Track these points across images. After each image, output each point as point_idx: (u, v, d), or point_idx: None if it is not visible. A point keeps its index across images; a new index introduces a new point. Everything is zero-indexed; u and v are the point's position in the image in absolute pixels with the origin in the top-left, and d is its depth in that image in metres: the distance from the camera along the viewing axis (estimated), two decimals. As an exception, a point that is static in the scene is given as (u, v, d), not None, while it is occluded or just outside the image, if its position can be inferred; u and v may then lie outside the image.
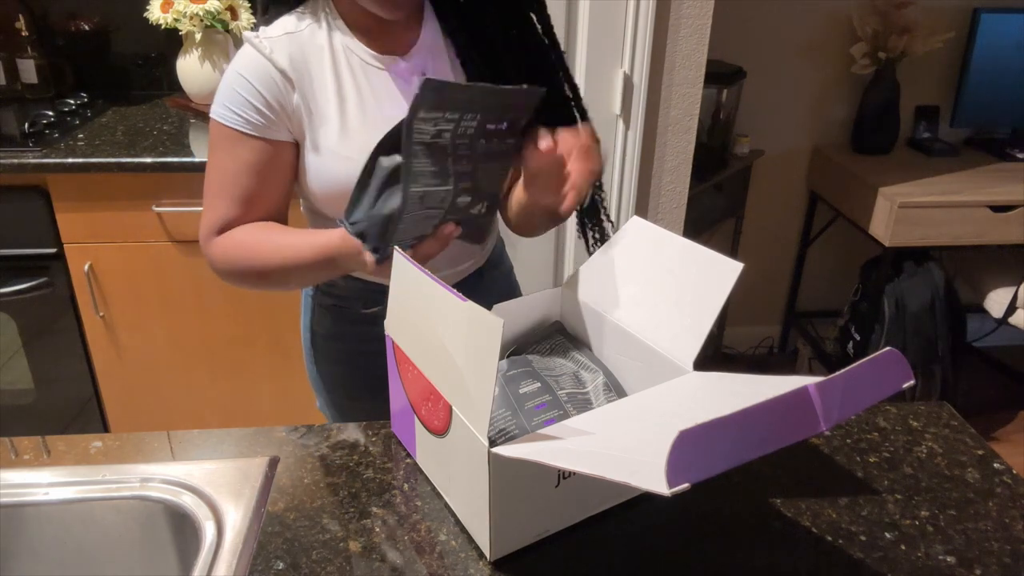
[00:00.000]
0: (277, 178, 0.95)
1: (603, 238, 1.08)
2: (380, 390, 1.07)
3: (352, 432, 0.91)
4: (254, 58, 0.91)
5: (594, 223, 1.08)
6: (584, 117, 0.99)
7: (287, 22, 0.94)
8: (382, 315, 0.83)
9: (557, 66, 0.99)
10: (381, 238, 0.82)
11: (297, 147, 0.95)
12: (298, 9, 0.95)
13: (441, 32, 0.99)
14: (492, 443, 0.66)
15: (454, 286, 1.07)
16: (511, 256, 1.25)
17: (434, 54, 0.98)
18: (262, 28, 0.94)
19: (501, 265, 1.19)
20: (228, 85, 0.92)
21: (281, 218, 0.98)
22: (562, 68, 1.00)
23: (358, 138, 0.93)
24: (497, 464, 0.66)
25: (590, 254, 1.03)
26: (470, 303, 0.66)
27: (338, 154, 0.93)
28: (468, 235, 0.92)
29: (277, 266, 0.93)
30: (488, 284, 1.14)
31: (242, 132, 0.92)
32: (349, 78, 0.94)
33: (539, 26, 0.98)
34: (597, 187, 1.06)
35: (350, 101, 0.93)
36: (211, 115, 0.94)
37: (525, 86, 0.80)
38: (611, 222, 1.10)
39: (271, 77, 0.90)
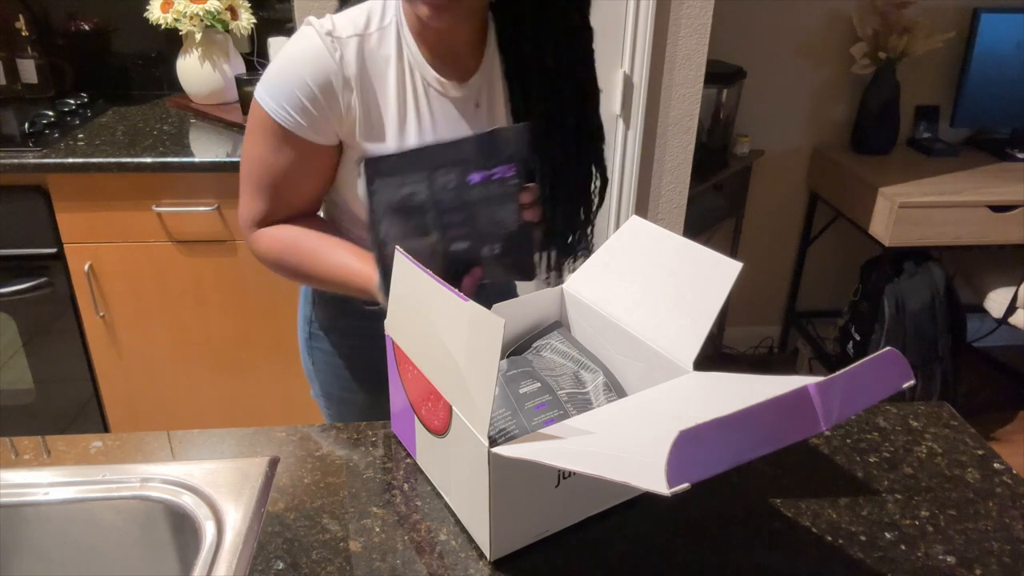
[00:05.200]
0: (315, 177, 0.96)
1: (558, 266, 1.06)
2: (375, 384, 1.06)
3: (352, 432, 0.91)
4: (320, 59, 0.87)
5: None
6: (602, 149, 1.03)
7: (357, 19, 0.90)
8: (383, 312, 0.84)
9: (597, 103, 1.01)
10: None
11: (339, 149, 0.94)
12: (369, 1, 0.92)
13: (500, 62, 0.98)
14: (492, 443, 0.66)
15: None
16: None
17: (491, 83, 0.97)
18: (329, 17, 0.90)
19: None
20: (285, 81, 0.88)
21: (314, 212, 1.02)
22: (595, 105, 1.01)
23: None
24: (497, 464, 0.66)
25: (549, 283, 1.02)
26: (471, 303, 0.66)
27: None
28: (507, 271, 0.97)
29: (312, 275, 0.97)
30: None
31: (289, 130, 0.91)
32: (412, 100, 0.93)
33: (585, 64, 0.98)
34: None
35: (410, 124, 0.93)
36: (258, 98, 0.91)
37: (513, 126, 0.82)
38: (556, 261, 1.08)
39: (331, 82, 0.88)
